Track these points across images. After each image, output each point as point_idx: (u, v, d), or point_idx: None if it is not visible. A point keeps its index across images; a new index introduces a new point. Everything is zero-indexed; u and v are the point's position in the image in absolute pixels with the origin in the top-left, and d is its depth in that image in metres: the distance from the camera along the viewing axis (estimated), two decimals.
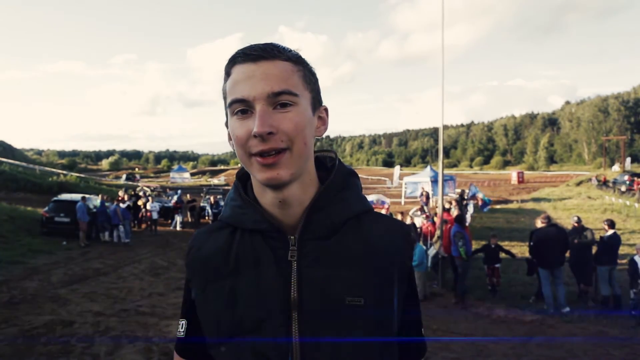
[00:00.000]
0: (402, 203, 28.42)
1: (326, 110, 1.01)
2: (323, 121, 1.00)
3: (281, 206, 0.95)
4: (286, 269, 0.93)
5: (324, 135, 1.02)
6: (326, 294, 0.91)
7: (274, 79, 0.87)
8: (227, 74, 0.93)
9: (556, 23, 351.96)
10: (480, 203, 22.81)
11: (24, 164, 42.02)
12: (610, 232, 8.81)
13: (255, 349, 0.90)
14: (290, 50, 0.93)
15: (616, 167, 62.82)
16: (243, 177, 1.05)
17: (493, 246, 9.82)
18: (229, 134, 0.97)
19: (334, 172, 1.01)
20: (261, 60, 0.88)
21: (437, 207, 14.32)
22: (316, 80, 0.98)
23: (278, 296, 0.91)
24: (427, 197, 23.56)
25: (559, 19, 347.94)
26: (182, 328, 1.06)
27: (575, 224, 9.41)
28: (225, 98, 0.94)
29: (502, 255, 9.98)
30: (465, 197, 23.92)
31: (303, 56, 0.96)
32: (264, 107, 0.86)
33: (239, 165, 0.97)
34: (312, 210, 0.96)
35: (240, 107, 0.89)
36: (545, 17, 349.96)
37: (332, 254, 0.94)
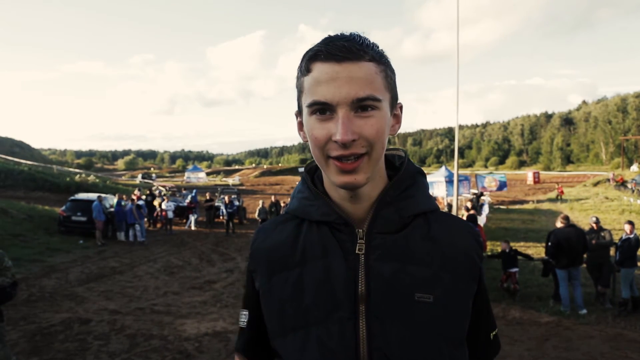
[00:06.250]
0: None
1: (401, 107, 1.00)
2: (398, 119, 0.99)
3: (351, 200, 0.95)
4: (354, 261, 0.92)
5: None
6: (395, 289, 0.90)
7: (359, 83, 0.84)
8: (307, 69, 0.89)
9: (586, 19, 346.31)
10: (495, 186, 22.92)
11: (42, 164, 42.66)
12: (633, 233, 8.67)
13: (321, 341, 0.90)
14: (373, 47, 0.89)
15: (635, 167, 61.78)
16: (311, 171, 1.06)
17: (507, 250, 9.69)
18: (299, 124, 0.97)
19: (403, 170, 1.01)
20: (345, 62, 0.85)
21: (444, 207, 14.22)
22: (395, 77, 0.95)
23: (346, 289, 0.91)
24: None
25: (590, 15, 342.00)
26: (244, 318, 1.07)
27: (594, 225, 9.27)
28: (300, 91, 0.92)
29: (519, 258, 9.84)
30: (482, 195, 23.88)
31: (384, 52, 0.92)
32: (347, 113, 0.85)
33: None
34: (380, 204, 0.95)
35: (320, 108, 0.87)
36: (575, 12, 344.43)
37: (400, 249, 0.93)
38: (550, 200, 32.41)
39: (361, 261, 0.92)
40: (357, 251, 0.93)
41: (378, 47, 0.90)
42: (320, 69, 0.87)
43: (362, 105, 0.85)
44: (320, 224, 0.97)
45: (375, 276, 0.91)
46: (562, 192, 33.19)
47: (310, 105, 0.88)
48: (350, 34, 0.89)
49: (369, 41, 0.90)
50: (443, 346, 0.90)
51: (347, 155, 0.86)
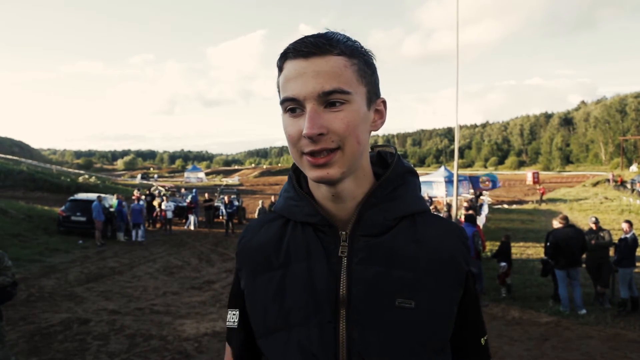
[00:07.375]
0: None
1: (384, 102, 0.97)
2: (380, 115, 0.96)
3: (334, 200, 0.93)
4: (336, 264, 0.91)
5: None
6: (376, 294, 0.89)
7: (325, 77, 0.83)
8: (280, 68, 0.90)
9: (588, 19, 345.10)
10: (489, 186, 23.00)
11: (41, 164, 42.66)
12: (630, 232, 8.67)
13: (301, 344, 0.89)
14: (346, 41, 0.88)
15: (634, 168, 61.89)
16: (297, 170, 1.02)
17: (504, 240, 9.94)
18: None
19: (391, 169, 0.98)
20: (312, 57, 0.84)
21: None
22: (373, 71, 0.92)
23: (327, 292, 0.90)
24: None
25: (592, 14, 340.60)
26: (233, 318, 1.05)
27: (593, 225, 9.27)
28: (279, 92, 0.91)
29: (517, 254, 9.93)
30: (481, 195, 23.89)
31: (360, 45, 0.91)
32: (314, 107, 0.84)
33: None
34: (365, 206, 0.93)
35: (291, 106, 0.86)
36: (577, 12, 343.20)
37: (384, 253, 0.91)
38: (548, 200, 32.44)
39: (343, 264, 0.91)
40: (339, 254, 0.92)
41: (354, 42, 0.89)
42: (289, 66, 0.87)
43: (331, 101, 0.84)
44: (304, 224, 0.96)
45: (357, 280, 0.89)
46: (543, 192, 33.43)
47: (282, 103, 0.88)
48: (324, 33, 0.88)
49: (342, 36, 0.88)
50: (423, 353, 0.88)
51: (318, 150, 0.84)
